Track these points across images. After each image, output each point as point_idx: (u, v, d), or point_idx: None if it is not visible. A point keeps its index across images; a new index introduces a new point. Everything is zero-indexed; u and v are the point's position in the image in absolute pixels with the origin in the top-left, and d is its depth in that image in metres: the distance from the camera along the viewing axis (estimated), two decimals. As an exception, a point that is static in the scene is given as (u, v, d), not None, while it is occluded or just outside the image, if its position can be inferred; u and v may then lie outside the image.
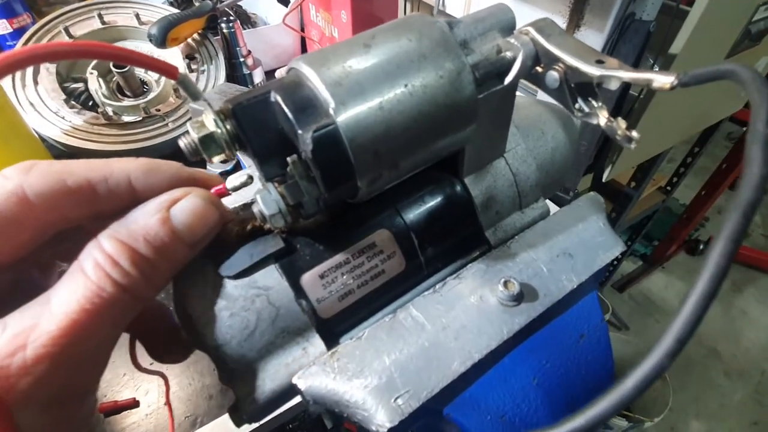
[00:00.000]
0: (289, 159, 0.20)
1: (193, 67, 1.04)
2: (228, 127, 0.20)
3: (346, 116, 0.20)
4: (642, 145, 0.95)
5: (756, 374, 1.87)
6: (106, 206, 0.21)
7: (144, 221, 0.20)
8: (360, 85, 0.20)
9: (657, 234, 2.20)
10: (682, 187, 1.58)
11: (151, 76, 1.01)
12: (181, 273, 0.24)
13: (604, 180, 0.97)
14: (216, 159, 0.22)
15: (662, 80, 0.19)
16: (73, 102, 0.92)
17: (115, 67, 0.93)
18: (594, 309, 0.29)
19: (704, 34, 0.75)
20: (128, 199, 0.21)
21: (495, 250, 0.29)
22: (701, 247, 2.22)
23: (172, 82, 1.02)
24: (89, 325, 0.18)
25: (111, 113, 0.92)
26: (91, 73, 0.94)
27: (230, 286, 0.24)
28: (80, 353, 0.18)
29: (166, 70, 0.26)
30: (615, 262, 1.80)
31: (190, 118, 0.93)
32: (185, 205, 0.21)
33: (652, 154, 1.13)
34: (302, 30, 1.31)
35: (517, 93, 0.26)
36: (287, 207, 0.22)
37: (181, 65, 1.03)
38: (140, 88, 0.98)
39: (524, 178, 0.30)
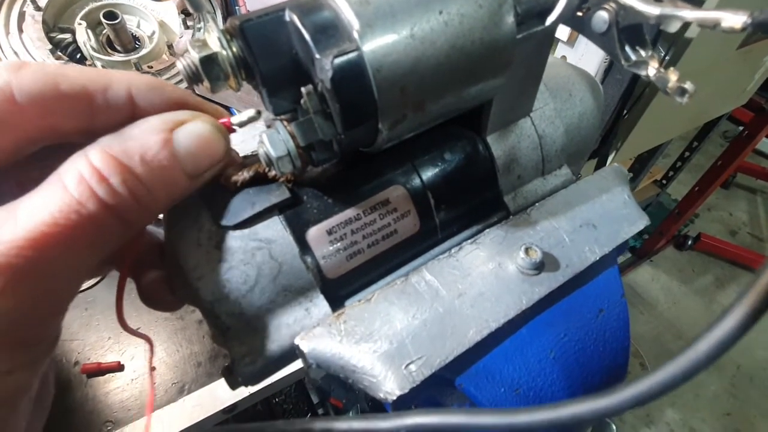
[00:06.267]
0: (303, 89, 0.18)
1: (189, 23, 0.98)
2: (234, 48, 0.18)
3: (373, 43, 0.17)
4: (647, 134, 0.94)
5: (731, 368, 1.92)
6: (101, 120, 0.18)
7: (143, 139, 0.17)
8: (390, 6, 0.17)
9: (647, 228, 2.21)
10: (674, 183, 1.58)
11: (143, 32, 0.96)
12: (174, 218, 0.22)
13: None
14: (218, 88, 0.19)
15: (732, 20, 0.17)
16: (59, 53, 0.87)
17: (106, 18, 0.88)
18: (615, 284, 0.27)
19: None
20: (127, 116, 0.19)
21: (514, 217, 0.27)
22: (689, 242, 2.24)
23: (166, 38, 0.97)
24: (61, 242, 0.15)
25: (100, 67, 0.87)
26: (80, 24, 0.89)
27: (229, 236, 0.22)
28: (47, 274, 0.16)
29: None
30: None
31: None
32: (192, 129, 0.18)
33: (656, 143, 1.12)
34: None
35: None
36: (297, 149, 0.20)
37: (176, 21, 0.97)
38: (132, 43, 0.93)
39: (550, 141, 0.28)
